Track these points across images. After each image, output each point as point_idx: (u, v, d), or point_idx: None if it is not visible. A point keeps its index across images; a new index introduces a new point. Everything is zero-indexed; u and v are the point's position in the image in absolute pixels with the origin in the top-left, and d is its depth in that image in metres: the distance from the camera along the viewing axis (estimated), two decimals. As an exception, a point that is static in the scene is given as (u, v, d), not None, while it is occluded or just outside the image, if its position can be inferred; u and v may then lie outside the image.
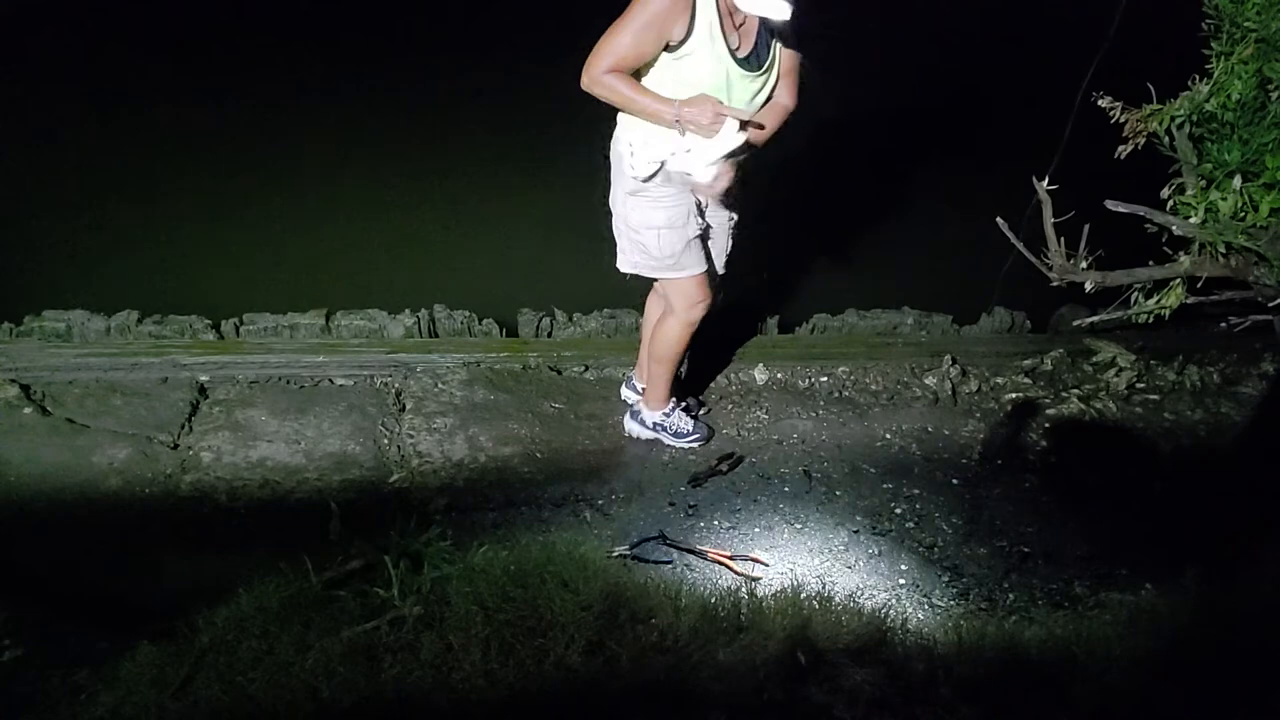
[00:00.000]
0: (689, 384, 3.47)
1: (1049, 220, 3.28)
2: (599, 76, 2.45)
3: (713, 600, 2.39)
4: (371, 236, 4.93)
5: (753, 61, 2.52)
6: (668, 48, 2.45)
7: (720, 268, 3.06)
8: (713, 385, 3.61)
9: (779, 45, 2.57)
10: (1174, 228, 3.22)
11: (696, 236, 2.80)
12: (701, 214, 2.83)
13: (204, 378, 3.44)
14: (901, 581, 2.70)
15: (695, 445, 3.21)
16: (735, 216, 2.99)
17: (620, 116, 2.63)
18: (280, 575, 2.26)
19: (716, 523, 2.89)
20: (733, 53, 2.47)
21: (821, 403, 3.54)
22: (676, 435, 3.21)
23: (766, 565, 2.69)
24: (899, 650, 2.21)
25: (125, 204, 4.99)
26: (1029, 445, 3.38)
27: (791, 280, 4.60)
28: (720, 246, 3.01)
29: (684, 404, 3.30)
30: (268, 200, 5.11)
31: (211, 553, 2.63)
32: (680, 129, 2.49)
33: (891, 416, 3.48)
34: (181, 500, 2.86)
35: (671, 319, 2.94)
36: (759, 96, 2.60)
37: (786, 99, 2.67)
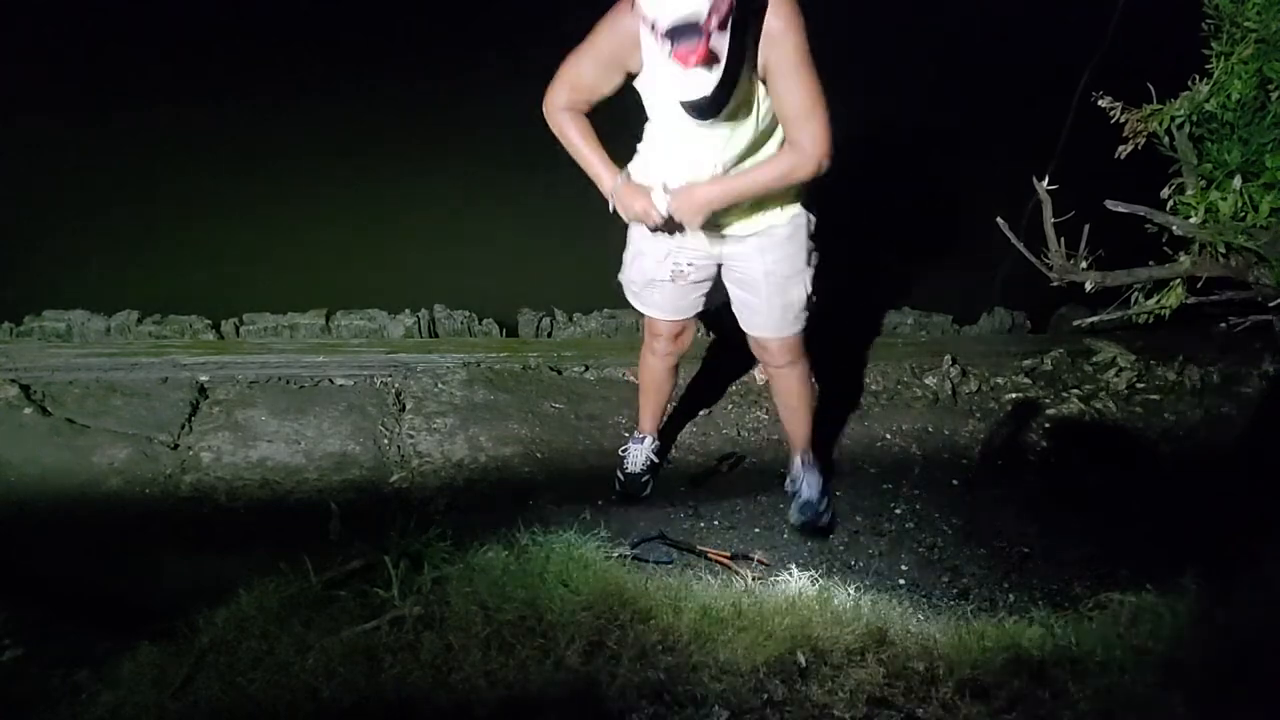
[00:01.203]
0: (691, 384, 3.47)
1: (1049, 220, 3.28)
2: (552, 109, 2.28)
3: (713, 600, 2.39)
4: (371, 236, 4.92)
5: (710, 109, 2.14)
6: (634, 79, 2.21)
7: (753, 328, 2.66)
8: (713, 385, 3.61)
9: (760, 88, 2.16)
10: (1174, 228, 3.22)
11: (669, 282, 2.56)
12: (691, 264, 2.53)
13: (204, 378, 3.44)
14: (901, 581, 2.70)
15: (619, 484, 2.99)
16: (776, 271, 2.49)
17: None
18: (280, 575, 2.26)
19: (717, 523, 2.89)
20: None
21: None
22: (619, 465, 3.00)
23: (767, 565, 2.69)
24: (899, 650, 2.21)
25: (125, 204, 4.98)
26: (1029, 445, 3.38)
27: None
28: (749, 304, 2.60)
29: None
30: (268, 200, 5.10)
31: (211, 553, 2.62)
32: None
33: (891, 416, 3.47)
34: (181, 500, 2.86)
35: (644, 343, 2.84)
36: (730, 148, 2.25)
37: (792, 151, 2.20)
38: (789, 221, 2.45)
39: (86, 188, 5.04)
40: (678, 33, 1.92)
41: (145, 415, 3.20)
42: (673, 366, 2.84)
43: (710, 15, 1.91)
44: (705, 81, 1.99)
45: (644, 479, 2.99)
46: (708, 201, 2.28)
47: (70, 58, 6.39)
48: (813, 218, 2.50)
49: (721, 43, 1.97)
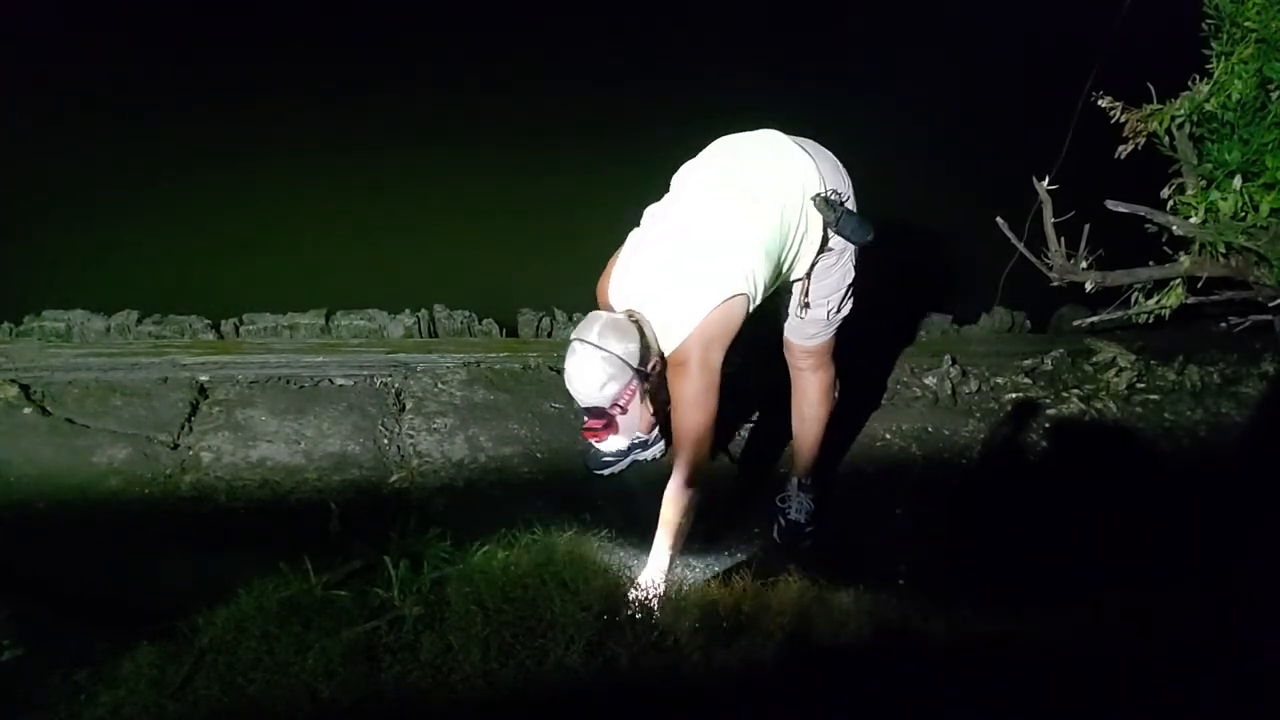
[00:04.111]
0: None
1: (1049, 220, 3.29)
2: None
3: (713, 600, 2.39)
4: (371, 236, 4.93)
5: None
6: None
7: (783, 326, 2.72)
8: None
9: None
10: (1174, 228, 3.23)
11: None
12: None
13: (204, 378, 3.44)
14: (900, 581, 2.70)
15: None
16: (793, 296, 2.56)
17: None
18: (280, 575, 2.26)
19: (716, 524, 2.89)
20: None
21: (821, 403, 3.53)
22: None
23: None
24: (898, 649, 2.21)
25: (125, 204, 4.99)
26: (1029, 445, 3.38)
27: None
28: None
29: None
30: (268, 200, 5.11)
31: (211, 553, 2.62)
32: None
33: (891, 416, 3.47)
34: (181, 500, 2.86)
35: None
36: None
37: (672, 480, 2.33)
38: (803, 275, 2.48)
39: (87, 188, 5.04)
40: (589, 412, 2.26)
41: (145, 415, 3.20)
42: None
43: (611, 407, 2.23)
44: (615, 442, 2.40)
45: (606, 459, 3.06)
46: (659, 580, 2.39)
47: (71, 57, 6.39)
48: (830, 262, 2.48)
49: (625, 418, 2.28)
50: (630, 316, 2.24)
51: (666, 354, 2.26)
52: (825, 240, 2.38)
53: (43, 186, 5.04)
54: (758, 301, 2.28)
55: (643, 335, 2.21)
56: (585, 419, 2.29)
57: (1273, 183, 3.01)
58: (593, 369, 2.17)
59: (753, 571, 2.66)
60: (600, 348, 2.16)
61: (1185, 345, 3.91)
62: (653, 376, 2.25)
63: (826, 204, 2.31)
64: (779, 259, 2.30)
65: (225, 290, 4.33)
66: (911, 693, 2.04)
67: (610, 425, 2.28)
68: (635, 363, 2.18)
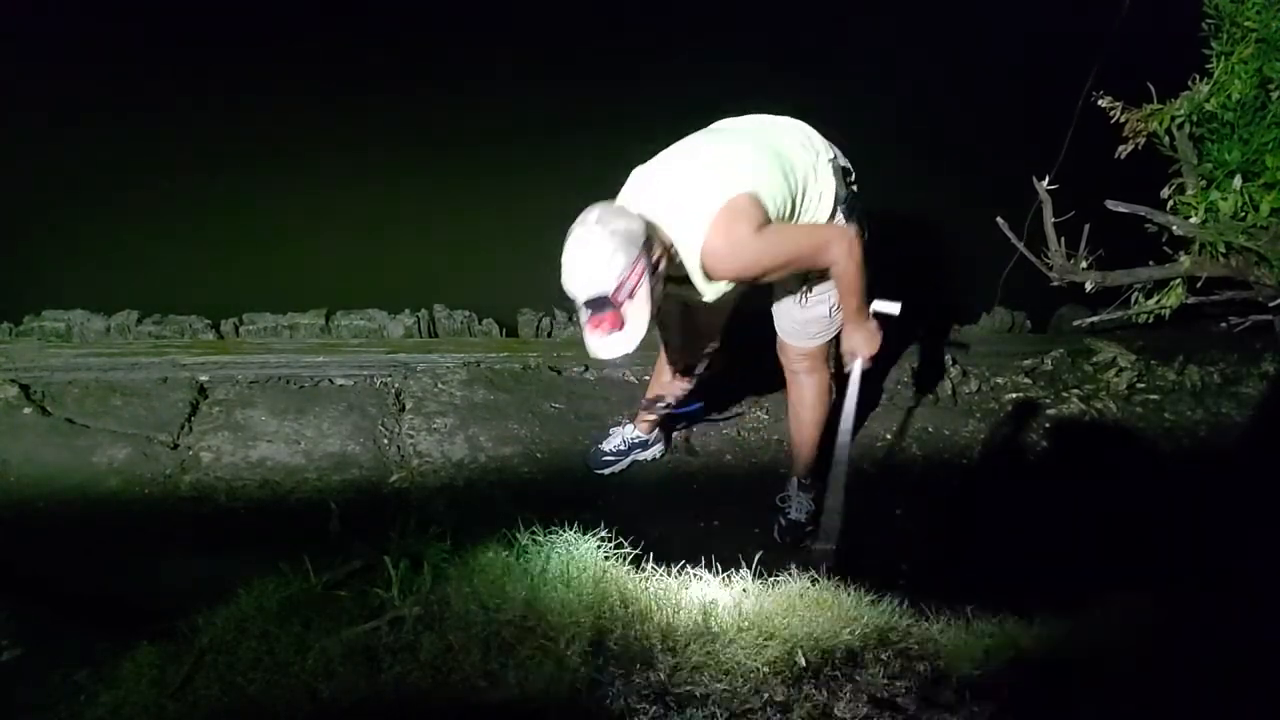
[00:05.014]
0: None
1: (1049, 220, 3.29)
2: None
3: (713, 600, 2.39)
4: (371, 236, 4.92)
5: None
6: None
7: (777, 328, 2.71)
8: (715, 388, 3.60)
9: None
10: (1174, 228, 3.23)
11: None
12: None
13: (204, 378, 3.44)
14: (901, 582, 2.69)
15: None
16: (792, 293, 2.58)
17: None
18: (280, 575, 2.26)
19: (716, 524, 2.89)
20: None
21: (821, 403, 3.53)
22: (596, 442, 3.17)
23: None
24: (900, 650, 2.21)
25: (125, 204, 4.98)
26: (1029, 445, 3.38)
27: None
28: (774, 307, 2.70)
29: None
30: (268, 200, 5.11)
31: (211, 553, 2.63)
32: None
33: (891, 416, 3.47)
34: (181, 500, 2.86)
35: None
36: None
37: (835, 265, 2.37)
38: None
39: (87, 188, 5.03)
40: (594, 304, 2.12)
41: (145, 415, 3.20)
42: None
43: (618, 290, 2.09)
44: (620, 342, 2.15)
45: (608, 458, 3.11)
46: (866, 332, 2.47)
47: (70, 57, 6.39)
48: None
49: (634, 309, 2.13)
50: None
51: (696, 258, 2.22)
52: (834, 214, 2.44)
53: (43, 186, 5.04)
54: (768, 203, 2.25)
55: (646, 223, 2.15)
56: (590, 314, 2.15)
57: (1273, 183, 3.01)
58: (598, 242, 2.07)
59: (753, 571, 2.67)
60: (602, 227, 2.10)
61: (1185, 345, 3.91)
62: (658, 271, 2.18)
63: (842, 173, 2.43)
64: (791, 192, 2.32)
65: (225, 290, 4.33)
66: (914, 694, 2.03)
67: (617, 316, 2.12)
68: (640, 243, 2.10)
